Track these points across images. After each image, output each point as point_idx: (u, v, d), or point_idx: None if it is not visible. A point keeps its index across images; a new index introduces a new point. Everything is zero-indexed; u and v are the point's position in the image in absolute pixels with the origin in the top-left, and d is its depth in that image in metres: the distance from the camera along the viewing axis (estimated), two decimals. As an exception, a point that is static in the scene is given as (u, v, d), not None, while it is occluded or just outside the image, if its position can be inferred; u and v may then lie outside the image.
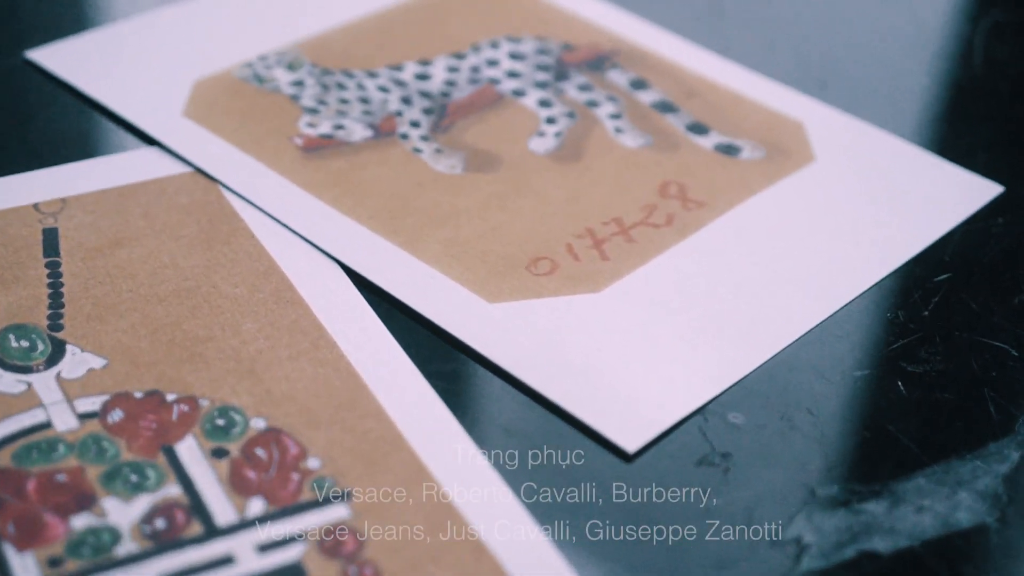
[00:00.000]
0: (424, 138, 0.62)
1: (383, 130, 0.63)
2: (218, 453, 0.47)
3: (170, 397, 0.49)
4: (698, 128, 0.64)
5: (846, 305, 0.56)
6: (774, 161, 0.63)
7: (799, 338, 0.54)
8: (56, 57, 0.66)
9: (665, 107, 0.65)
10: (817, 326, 0.55)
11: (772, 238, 0.58)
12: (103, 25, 0.68)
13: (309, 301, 0.54)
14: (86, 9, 0.70)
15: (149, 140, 0.61)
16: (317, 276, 0.55)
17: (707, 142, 0.63)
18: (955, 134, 0.66)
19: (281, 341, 0.52)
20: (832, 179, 0.62)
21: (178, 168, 0.60)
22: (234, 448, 0.48)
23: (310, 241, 0.56)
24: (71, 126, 0.63)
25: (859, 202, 0.61)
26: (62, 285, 0.53)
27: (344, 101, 0.64)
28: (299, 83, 0.65)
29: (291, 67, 0.66)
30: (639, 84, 0.67)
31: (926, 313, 0.56)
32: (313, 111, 0.63)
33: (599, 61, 0.68)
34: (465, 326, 0.53)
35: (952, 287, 0.57)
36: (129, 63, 0.65)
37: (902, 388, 0.53)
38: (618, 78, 0.67)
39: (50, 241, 0.55)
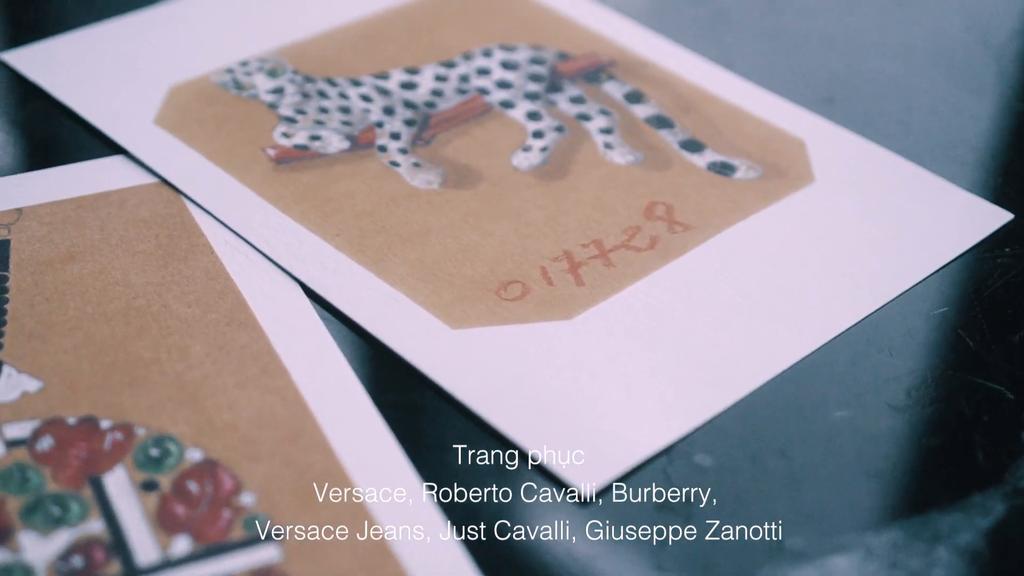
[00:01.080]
0: (402, 151, 0.60)
1: (361, 142, 0.60)
2: (148, 486, 0.45)
3: (104, 424, 0.47)
4: (692, 145, 0.61)
5: (833, 339, 0.52)
6: (770, 181, 0.60)
7: (779, 374, 0.51)
8: (29, 60, 0.64)
9: (660, 122, 0.62)
10: (799, 361, 0.51)
11: (760, 265, 0.55)
12: (83, 27, 0.66)
13: (263, 323, 0.51)
14: (66, 11, 0.68)
15: (119, 148, 0.59)
16: (275, 297, 0.52)
17: (700, 160, 0.60)
18: (968, 157, 0.63)
19: (229, 366, 0.49)
20: (831, 201, 0.59)
21: (143, 178, 0.57)
22: (165, 481, 0.45)
23: (271, 259, 0.54)
24: (40, 132, 0.60)
25: (857, 227, 0.57)
26: (7, 301, 0.51)
27: (323, 110, 0.62)
28: (279, 91, 0.63)
29: (272, 73, 0.64)
30: (635, 97, 0.64)
31: (918, 349, 0.53)
32: (290, 120, 0.61)
33: (595, 72, 0.65)
34: (424, 353, 0.51)
35: (949, 321, 0.54)
36: (104, 67, 0.63)
37: (885, 431, 0.49)
38: (614, 90, 0.64)
39: (0, 254, 0.53)
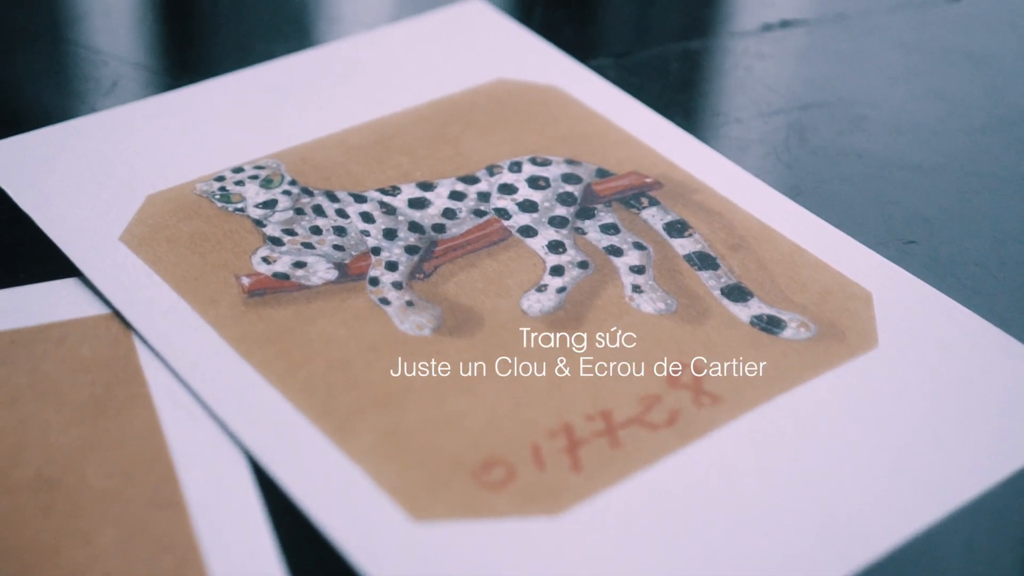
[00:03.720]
0: (396, 285, 0.52)
1: (351, 272, 0.52)
2: None
3: (-27, 634, 0.40)
4: (736, 292, 0.52)
5: (872, 563, 0.43)
6: (823, 344, 0.50)
7: (801, 606, 0.42)
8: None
9: (703, 261, 0.53)
10: (829, 590, 0.42)
11: (797, 455, 0.46)
12: (60, 122, 0.59)
13: (191, 503, 0.43)
14: (42, 103, 0.61)
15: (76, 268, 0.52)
16: (212, 468, 0.45)
17: (744, 312, 0.51)
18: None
19: (139, 558, 0.42)
20: (893, 375, 0.49)
21: (94, 308, 0.50)
22: None
23: (218, 418, 0.46)
24: (-6, 243, 0.54)
25: (923, 410, 0.48)
26: (-99, 462, 0.44)
27: (315, 231, 0.54)
28: (270, 204, 0.55)
29: (267, 184, 0.56)
30: (677, 229, 0.55)
31: (981, 580, 0.43)
32: (276, 242, 0.53)
33: (636, 195, 0.57)
34: (375, 554, 0.42)
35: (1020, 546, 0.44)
36: (77, 169, 0.56)
37: None
38: (655, 218, 0.55)
39: (-93, 400, 0.46)
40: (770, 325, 0.51)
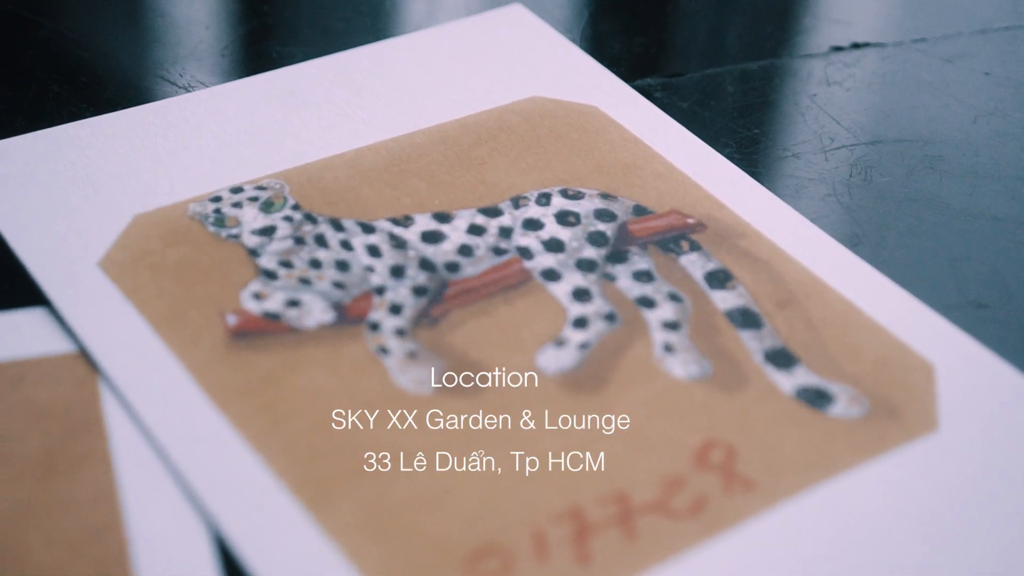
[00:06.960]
0: (399, 332, 0.46)
1: (350, 314, 0.47)
2: None
3: None
4: (780, 357, 0.46)
5: None
6: (876, 424, 0.44)
7: None
8: (-27, 166, 0.52)
9: (745, 319, 0.48)
10: None
11: (841, 554, 0.40)
12: (45, 127, 0.53)
13: (141, 583, 0.38)
14: (27, 105, 0.56)
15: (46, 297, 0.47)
16: (170, 541, 0.39)
17: (788, 381, 0.45)
18: None
19: (75, 648, 0.37)
20: (956, 464, 0.43)
21: (59, 344, 0.45)
22: None
23: (184, 479, 0.41)
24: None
25: (989, 509, 0.42)
26: None
27: (315, 264, 0.49)
28: (268, 231, 0.50)
29: (267, 207, 0.51)
30: (719, 279, 0.49)
31: None
32: (270, 275, 0.48)
33: (675, 238, 0.51)
34: (342, 656, 0.37)
35: None
36: (61, 180, 0.51)
37: None
38: (694, 265, 0.49)
39: None
40: (817, 399, 0.45)
